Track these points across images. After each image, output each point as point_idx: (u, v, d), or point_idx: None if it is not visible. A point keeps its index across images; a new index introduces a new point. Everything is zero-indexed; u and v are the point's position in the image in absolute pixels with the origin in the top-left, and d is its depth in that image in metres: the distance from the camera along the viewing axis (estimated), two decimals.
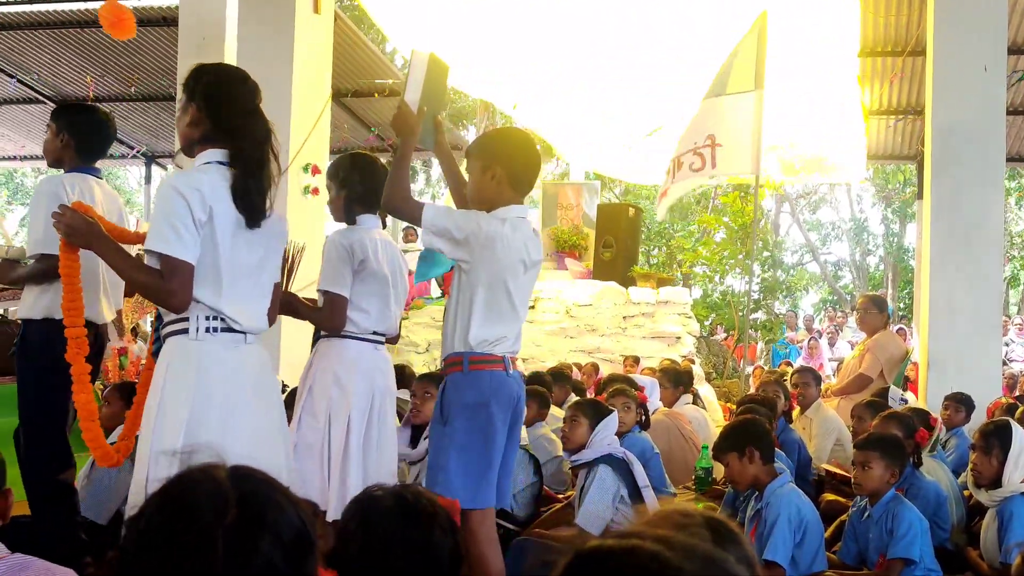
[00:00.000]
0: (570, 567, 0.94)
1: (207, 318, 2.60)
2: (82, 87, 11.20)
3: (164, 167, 15.97)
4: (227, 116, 2.66)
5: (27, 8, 10.13)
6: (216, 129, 2.67)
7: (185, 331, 2.60)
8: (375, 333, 3.50)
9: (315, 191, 7.36)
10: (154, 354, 3.03)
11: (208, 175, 2.60)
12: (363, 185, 3.48)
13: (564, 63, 9.02)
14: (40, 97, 12.52)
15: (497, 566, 3.04)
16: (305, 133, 7.25)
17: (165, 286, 2.53)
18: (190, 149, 2.74)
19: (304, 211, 7.30)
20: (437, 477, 2.92)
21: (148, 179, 15.79)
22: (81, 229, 2.72)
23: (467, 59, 9.61)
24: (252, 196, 2.63)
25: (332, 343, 3.45)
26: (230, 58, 8.29)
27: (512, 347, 3.08)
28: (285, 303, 3.26)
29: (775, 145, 8.72)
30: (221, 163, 2.64)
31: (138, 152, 14.26)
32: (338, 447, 3.30)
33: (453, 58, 9.54)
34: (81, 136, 3.69)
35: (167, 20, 10.14)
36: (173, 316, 2.62)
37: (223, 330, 2.63)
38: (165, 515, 1.15)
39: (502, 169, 3.06)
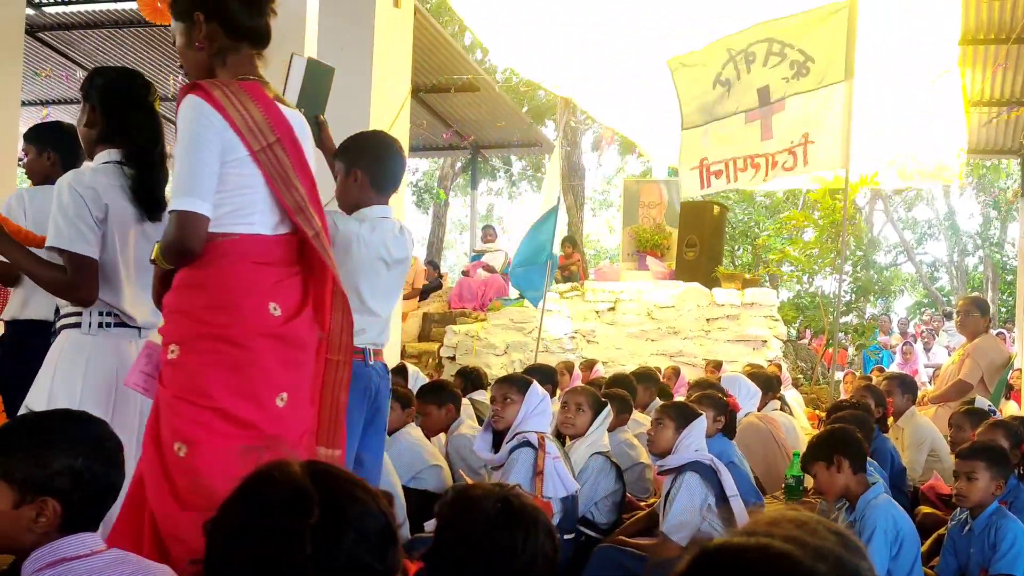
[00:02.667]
0: (697, 563, 0.92)
1: (100, 313, 2.70)
2: (164, 86, 11.39)
3: None
4: (120, 115, 2.75)
5: (110, 7, 10.35)
6: (110, 128, 2.76)
7: (78, 325, 2.69)
8: None
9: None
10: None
11: (104, 174, 2.69)
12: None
13: (642, 53, 8.83)
14: None
15: None
16: (384, 129, 7.20)
17: (71, 281, 2.61)
18: (91, 150, 2.82)
19: None
20: None
21: None
22: None
23: (545, 55, 9.51)
24: (151, 190, 2.73)
25: None
26: (310, 54, 8.32)
27: (373, 339, 3.21)
28: None
29: (870, 141, 8.36)
30: (118, 162, 2.73)
31: None
32: None
33: (530, 53, 9.45)
34: (66, 151, 3.67)
35: None
36: (70, 309, 2.71)
37: (116, 325, 2.72)
38: (249, 517, 1.19)
39: (362, 172, 3.22)
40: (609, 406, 4.36)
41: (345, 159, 3.27)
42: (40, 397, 2.61)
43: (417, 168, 23.95)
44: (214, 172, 2.28)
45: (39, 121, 4.85)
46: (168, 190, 2.55)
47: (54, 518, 1.72)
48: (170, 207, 2.29)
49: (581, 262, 12.96)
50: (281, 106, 2.47)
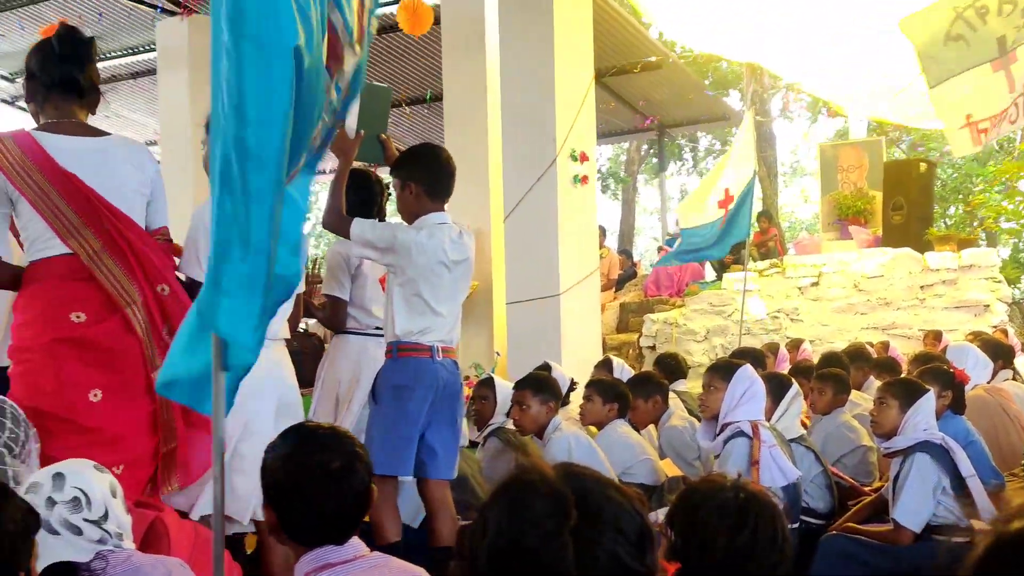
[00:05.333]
0: (995, 551, 0.87)
1: None
2: (419, 89, 11.76)
3: None
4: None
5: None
6: None
7: None
8: (378, 328, 3.92)
9: (584, 179, 7.28)
10: None
11: None
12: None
13: (831, 10, 8.37)
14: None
15: (394, 529, 3.42)
16: (571, 119, 7.19)
17: None
18: None
19: (575, 200, 7.24)
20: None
21: None
22: None
23: (729, 23, 9.18)
24: None
25: (338, 339, 4.07)
26: (492, 48, 8.41)
27: (441, 337, 3.51)
28: (304, 307, 3.84)
29: None
30: None
31: None
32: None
33: (714, 23, 9.16)
34: None
35: (434, 20, 10.43)
36: None
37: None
38: (511, 523, 1.20)
39: (416, 184, 3.51)
40: (795, 386, 4.17)
41: (399, 174, 3.56)
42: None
43: (600, 154, 23.84)
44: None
45: None
46: None
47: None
48: None
49: (778, 237, 12.53)
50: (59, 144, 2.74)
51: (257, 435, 2.92)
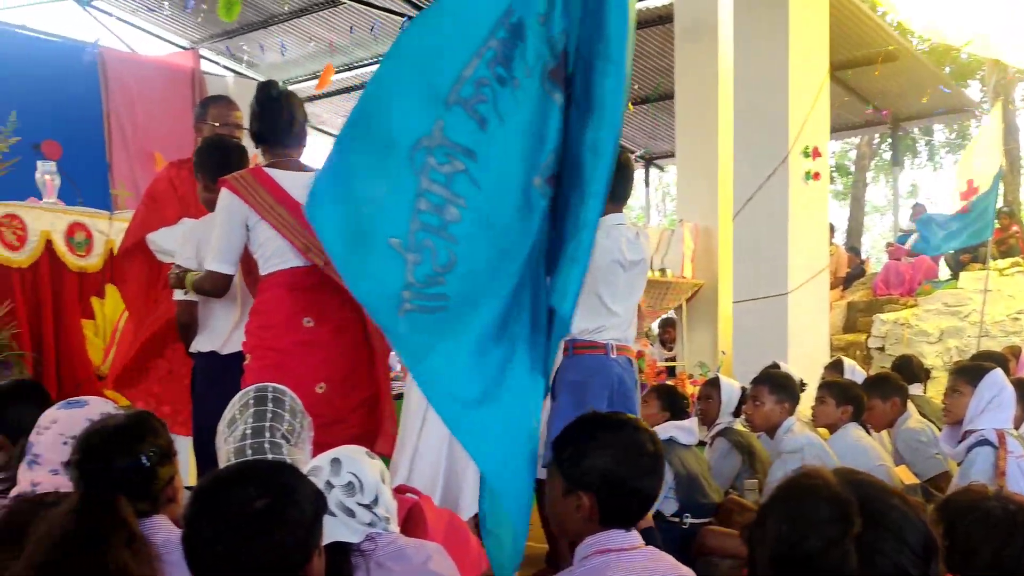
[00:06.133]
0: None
1: None
2: None
3: (662, 168, 16.43)
4: None
5: None
6: None
7: None
8: None
9: (816, 176, 7.14)
10: None
11: None
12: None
13: None
14: None
15: None
16: (804, 114, 7.06)
17: None
18: None
19: (807, 197, 7.12)
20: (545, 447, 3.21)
21: (647, 182, 16.15)
22: None
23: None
24: None
25: None
26: (725, 45, 8.37)
27: (616, 336, 3.62)
28: None
29: None
30: None
31: (637, 155, 14.85)
32: None
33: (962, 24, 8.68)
34: None
35: (662, 19, 10.51)
36: None
37: None
38: (793, 528, 1.20)
39: None
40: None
41: None
42: (407, 390, 3.32)
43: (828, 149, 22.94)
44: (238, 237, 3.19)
45: None
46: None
47: (588, 510, 1.94)
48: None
49: (1020, 234, 11.70)
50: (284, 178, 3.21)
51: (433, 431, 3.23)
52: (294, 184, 3.21)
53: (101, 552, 1.42)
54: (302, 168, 3.32)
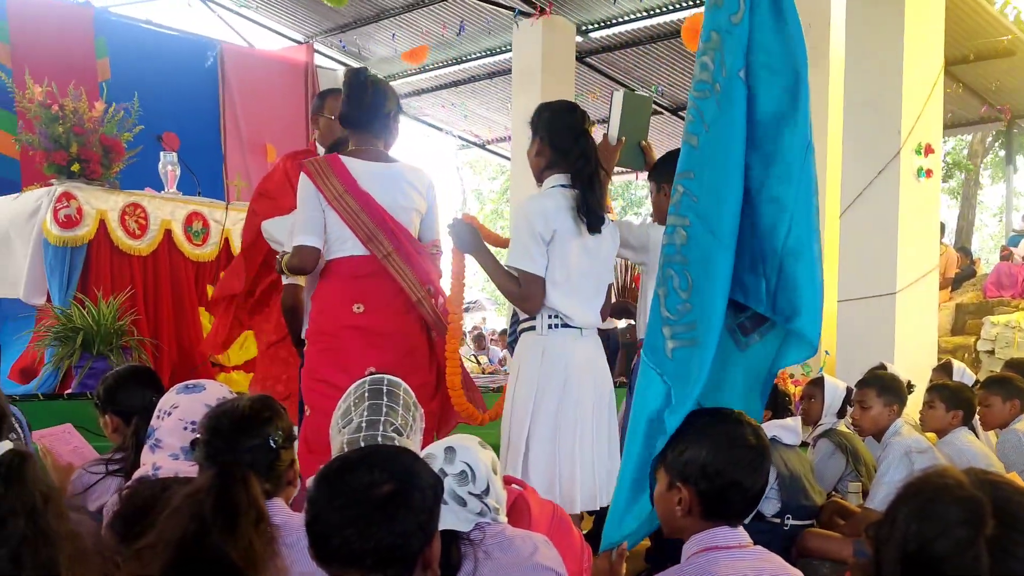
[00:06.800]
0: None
1: (549, 316, 3.21)
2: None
3: None
4: (562, 144, 3.23)
5: (645, 23, 11.06)
6: (555, 156, 3.25)
7: (534, 328, 3.24)
8: None
9: (928, 173, 6.94)
10: (509, 345, 4.03)
11: (552, 199, 3.18)
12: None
13: None
14: (662, 110, 13.26)
15: None
16: (917, 109, 6.84)
17: (522, 294, 3.17)
18: (539, 176, 3.33)
19: (918, 195, 6.92)
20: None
21: None
22: (464, 238, 3.32)
23: None
24: (592, 207, 3.18)
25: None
26: (836, 38, 8.18)
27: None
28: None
29: None
30: (563, 185, 3.21)
31: None
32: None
33: None
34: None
35: None
36: (526, 316, 3.27)
37: (562, 326, 3.22)
38: (922, 528, 1.18)
39: (668, 186, 3.39)
40: None
41: (656, 177, 3.61)
42: (511, 386, 3.27)
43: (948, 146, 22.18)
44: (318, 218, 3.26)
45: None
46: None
47: (689, 504, 1.92)
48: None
49: None
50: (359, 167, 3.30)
51: (573, 424, 3.19)
52: (368, 173, 3.29)
53: (232, 529, 1.46)
54: (384, 159, 3.39)
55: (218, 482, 1.49)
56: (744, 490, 1.92)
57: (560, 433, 3.18)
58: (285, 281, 3.83)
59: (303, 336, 3.61)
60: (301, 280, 3.67)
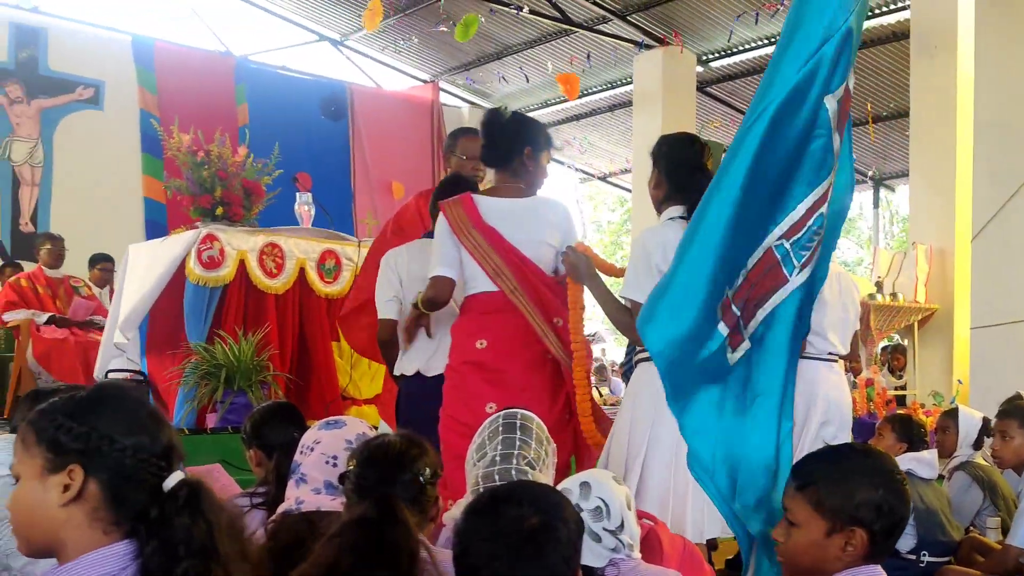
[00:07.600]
0: None
1: None
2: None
3: (892, 189, 15.64)
4: (679, 177, 3.25)
5: (767, 51, 10.96)
6: (672, 188, 3.27)
7: (649, 359, 3.06)
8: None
9: None
10: (625, 375, 4.14)
11: (672, 230, 3.11)
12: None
13: None
14: None
15: None
16: None
17: (631, 324, 3.06)
18: (659, 207, 3.33)
19: None
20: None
21: (876, 203, 15.33)
22: (578, 266, 3.29)
23: None
24: None
25: None
26: (965, 58, 7.95)
27: None
28: None
29: None
30: (682, 217, 3.18)
31: (868, 177, 14.21)
32: None
33: None
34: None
35: (896, 35, 10.13)
36: (643, 347, 3.17)
37: None
38: None
39: None
40: None
41: None
42: (625, 413, 3.25)
43: None
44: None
45: None
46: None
47: (861, 547, 1.84)
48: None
49: None
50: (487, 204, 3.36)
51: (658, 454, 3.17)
52: (496, 209, 3.36)
53: (391, 559, 1.52)
54: (516, 194, 3.43)
55: (376, 513, 1.55)
56: (905, 524, 1.88)
57: (677, 460, 3.12)
58: (381, 316, 3.85)
59: (397, 372, 3.75)
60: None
